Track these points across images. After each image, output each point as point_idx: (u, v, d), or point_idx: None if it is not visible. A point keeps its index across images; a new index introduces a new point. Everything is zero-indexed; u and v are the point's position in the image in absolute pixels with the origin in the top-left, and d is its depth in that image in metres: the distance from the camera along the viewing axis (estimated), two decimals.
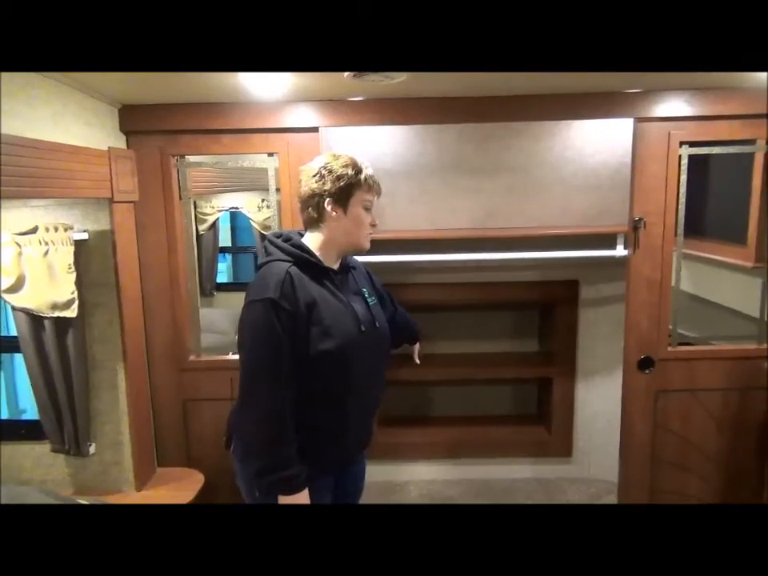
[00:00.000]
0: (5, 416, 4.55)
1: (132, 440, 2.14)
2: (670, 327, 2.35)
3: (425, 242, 2.84)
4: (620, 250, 2.51)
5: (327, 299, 1.52)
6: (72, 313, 1.91)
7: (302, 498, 1.48)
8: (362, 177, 1.53)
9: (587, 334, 3.17)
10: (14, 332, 2.02)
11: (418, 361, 1.99)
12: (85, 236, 1.97)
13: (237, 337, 1.52)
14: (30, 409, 4.56)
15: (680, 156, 2.21)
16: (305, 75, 1.80)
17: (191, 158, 2.38)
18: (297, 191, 1.60)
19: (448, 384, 3.51)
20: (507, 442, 3.36)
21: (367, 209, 1.57)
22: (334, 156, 1.56)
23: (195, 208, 3.37)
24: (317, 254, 1.56)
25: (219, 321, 3.54)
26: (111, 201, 1.97)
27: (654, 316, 2.32)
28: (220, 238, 4.19)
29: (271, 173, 2.28)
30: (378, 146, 2.79)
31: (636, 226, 2.25)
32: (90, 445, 2.10)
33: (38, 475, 2.15)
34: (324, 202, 1.53)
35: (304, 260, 1.52)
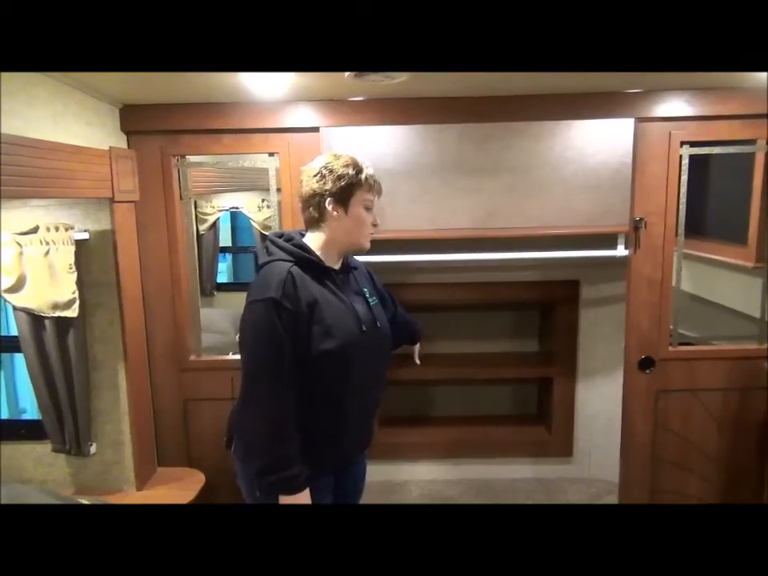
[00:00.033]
0: (5, 416, 4.55)
1: (133, 440, 2.14)
2: (671, 327, 2.35)
3: (425, 242, 2.84)
4: (621, 250, 2.51)
5: (329, 299, 1.52)
6: (73, 313, 1.91)
7: (303, 498, 1.48)
8: (363, 176, 1.53)
9: (588, 334, 3.16)
10: (14, 332, 2.02)
11: (418, 361, 1.99)
12: (86, 236, 1.97)
13: (238, 336, 1.52)
14: (30, 408, 4.56)
15: (681, 156, 2.21)
16: (305, 75, 1.80)
17: (192, 158, 2.38)
18: (298, 191, 1.61)
19: (448, 384, 3.51)
20: (507, 442, 3.36)
21: (368, 208, 1.57)
22: (335, 156, 1.56)
23: (195, 208, 3.37)
24: (318, 253, 1.56)
25: (219, 321, 3.54)
26: (112, 201, 1.97)
27: (654, 316, 2.32)
28: (220, 237, 4.19)
29: (272, 173, 2.28)
30: (378, 146, 2.79)
31: (637, 225, 2.25)
32: (91, 444, 2.10)
33: (39, 475, 2.15)
34: (325, 202, 1.53)
35: (306, 260, 1.52)
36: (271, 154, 2.26)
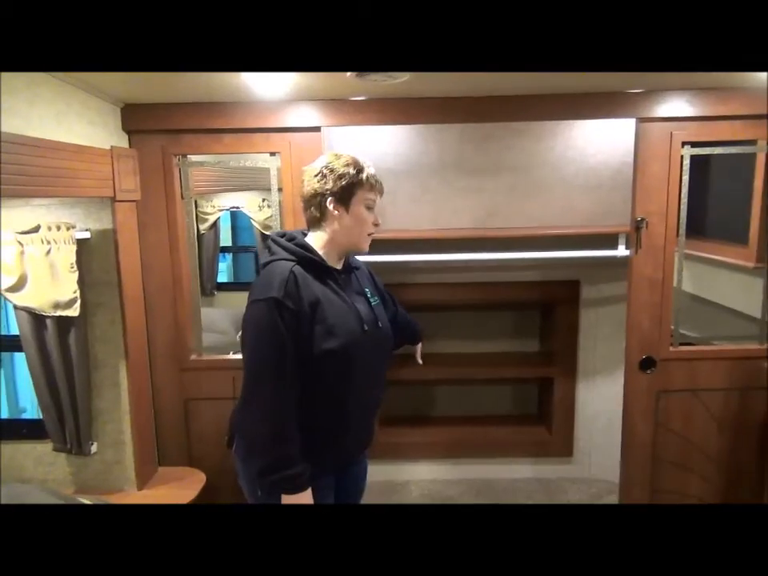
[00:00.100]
0: (5, 415, 4.56)
1: (133, 439, 2.14)
2: (672, 327, 2.35)
3: (426, 242, 2.84)
4: (621, 250, 2.51)
5: (331, 299, 1.52)
6: (74, 312, 1.91)
7: (306, 497, 1.48)
8: (364, 176, 1.54)
9: (588, 334, 3.17)
10: (14, 331, 2.03)
11: (420, 360, 2.00)
12: (87, 235, 1.98)
13: (240, 336, 1.53)
14: (30, 408, 4.57)
15: (682, 156, 2.21)
16: (307, 75, 1.80)
17: (193, 158, 2.38)
18: (299, 191, 1.61)
19: (449, 384, 3.51)
20: (508, 442, 3.36)
21: (369, 208, 1.57)
22: (336, 155, 1.56)
23: (196, 207, 3.38)
24: (320, 253, 1.56)
25: (219, 320, 3.54)
26: (113, 200, 1.98)
27: (655, 316, 2.32)
28: (220, 237, 4.19)
29: (273, 172, 2.28)
30: (379, 146, 2.80)
31: (638, 226, 2.25)
32: (92, 444, 2.10)
33: (40, 474, 2.15)
34: (326, 201, 1.53)
35: (308, 259, 1.52)
36: (272, 154, 2.26)
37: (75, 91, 1.85)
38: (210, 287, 4.00)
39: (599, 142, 2.79)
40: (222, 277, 4.45)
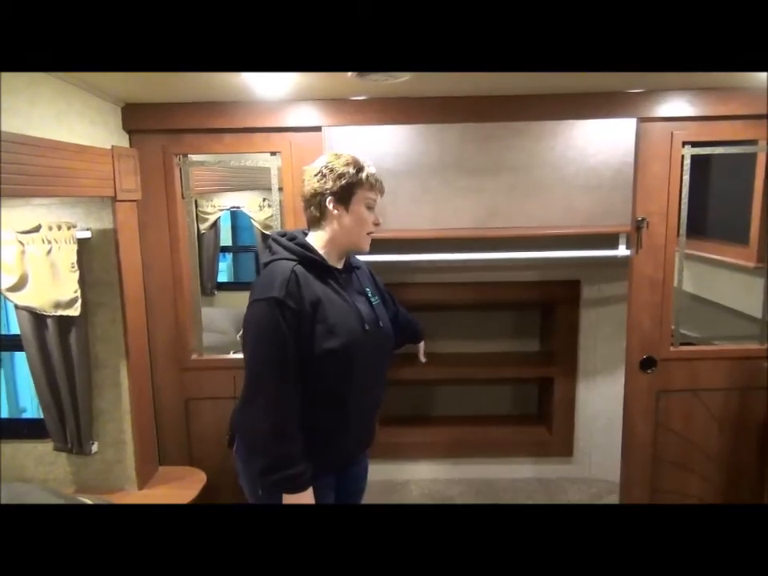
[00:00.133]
0: (5, 414, 4.56)
1: (134, 439, 2.14)
2: (672, 327, 2.35)
3: (427, 242, 2.84)
4: (622, 250, 2.51)
5: (332, 298, 1.52)
6: (75, 311, 1.91)
7: (307, 496, 1.48)
8: (363, 175, 1.53)
9: (588, 333, 3.17)
10: (14, 330, 2.03)
11: (423, 359, 2.00)
12: (88, 234, 1.98)
13: (241, 335, 1.53)
14: (30, 407, 4.57)
15: (682, 156, 2.21)
16: (308, 74, 1.80)
17: (194, 157, 2.38)
18: (300, 191, 1.61)
19: (449, 384, 3.51)
20: (508, 442, 3.36)
21: (369, 207, 1.57)
22: (336, 155, 1.56)
23: (196, 207, 3.37)
24: (321, 252, 1.56)
25: (220, 320, 3.54)
26: (114, 199, 1.98)
27: (656, 316, 2.32)
28: (221, 237, 4.19)
29: (274, 172, 2.28)
30: (380, 146, 2.80)
31: (638, 225, 2.25)
32: (93, 443, 2.11)
33: (40, 474, 2.15)
34: (326, 201, 1.53)
35: (309, 259, 1.52)
36: (273, 154, 2.26)
37: (76, 91, 1.86)
38: (211, 287, 4.00)
39: (600, 142, 2.78)
40: (222, 276, 4.46)
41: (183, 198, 2.31)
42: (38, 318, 1.93)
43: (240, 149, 2.27)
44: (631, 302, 2.33)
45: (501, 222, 2.85)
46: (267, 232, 3.44)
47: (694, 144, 2.21)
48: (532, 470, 3.35)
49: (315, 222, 1.59)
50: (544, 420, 3.45)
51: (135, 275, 2.15)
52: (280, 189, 2.29)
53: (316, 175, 1.54)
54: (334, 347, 1.48)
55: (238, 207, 3.94)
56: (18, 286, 1.79)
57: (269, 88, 1.99)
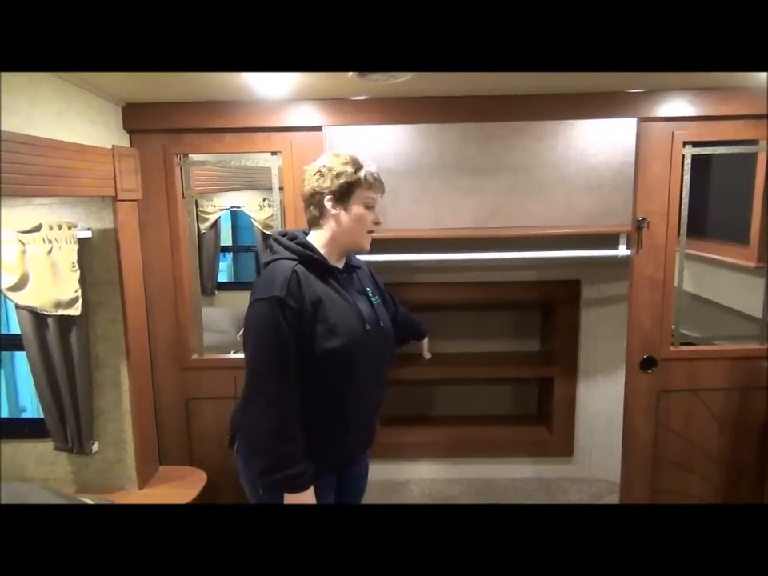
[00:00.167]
0: (5, 414, 4.56)
1: (135, 438, 2.14)
2: (673, 327, 2.35)
3: (427, 242, 2.84)
4: (623, 250, 2.51)
5: (333, 298, 1.52)
6: (75, 311, 1.91)
7: (307, 496, 1.48)
8: (362, 174, 1.53)
9: (589, 333, 3.17)
10: (15, 330, 2.03)
11: (427, 355, 2.00)
12: (88, 234, 1.98)
13: (241, 335, 1.53)
14: (30, 407, 4.57)
15: (683, 156, 2.21)
16: (308, 74, 1.80)
17: (194, 157, 2.38)
18: (300, 190, 1.61)
19: (449, 383, 3.51)
20: (508, 442, 3.36)
21: (369, 207, 1.57)
22: (336, 155, 1.56)
23: (197, 206, 3.37)
24: (321, 252, 1.56)
25: (220, 320, 3.54)
26: (115, 199, 1.98)
27: (656, 316, 2.32)
28: (221, 236, 4.19)
29: (274, 172, 2.28)
30: (381, 145, 2.79)
31: (639, 225, 2.24)
32: (93, 443, 2.11)
33: (41, 473, 2.15)
34: (324, 200, 1.53)
35: (310, 258, 1.52)
36: (274, 153, 2.26)
37: (76, 90, 1.86)
38: (211, 287, 4.00)
39: (600, 142, 2.78)
40: (223, 276, 4.45)
41: (184, 197, 2.31)
42: (38, 318, 1.93)
43: (241, 148, 2.27)
44: (631, 302, 2.33)
45: (501, 222, 2.85)
46: (267, 232, 3.44)
47: (695, 144, 2.21)
48: (532, 469, 3.35)
49: (315, 222, 1.59)
50: (544, 420, 3.45)
51: (136, 275, 2.15)
52: (281, 188, 2.29)
53: (315, 174, 1.54)
54: (334, 347, 1.48)
55: (239, 207, 3.94)
56: (19, 286, 1.80)
57: (269, 88, 1.99)
